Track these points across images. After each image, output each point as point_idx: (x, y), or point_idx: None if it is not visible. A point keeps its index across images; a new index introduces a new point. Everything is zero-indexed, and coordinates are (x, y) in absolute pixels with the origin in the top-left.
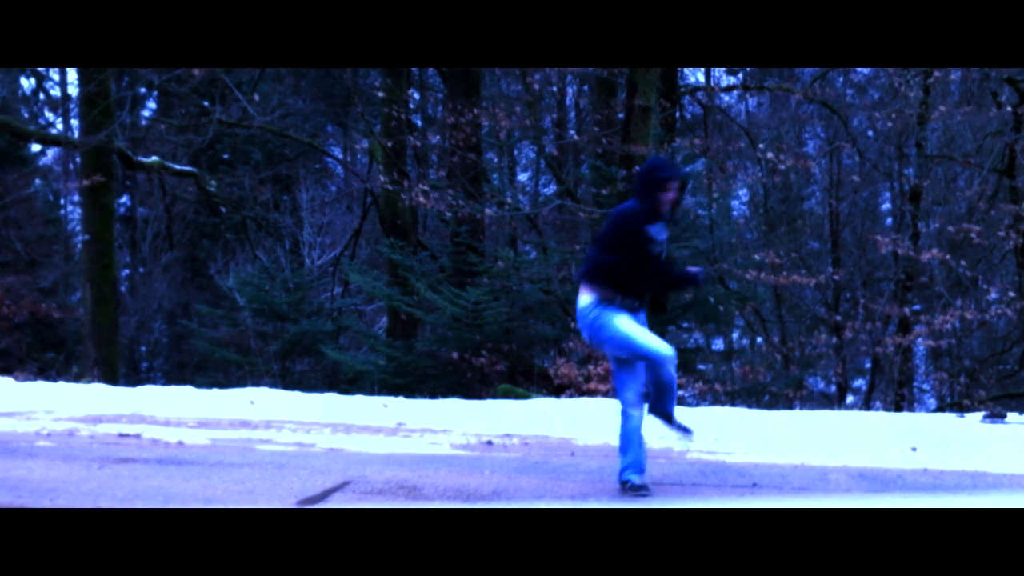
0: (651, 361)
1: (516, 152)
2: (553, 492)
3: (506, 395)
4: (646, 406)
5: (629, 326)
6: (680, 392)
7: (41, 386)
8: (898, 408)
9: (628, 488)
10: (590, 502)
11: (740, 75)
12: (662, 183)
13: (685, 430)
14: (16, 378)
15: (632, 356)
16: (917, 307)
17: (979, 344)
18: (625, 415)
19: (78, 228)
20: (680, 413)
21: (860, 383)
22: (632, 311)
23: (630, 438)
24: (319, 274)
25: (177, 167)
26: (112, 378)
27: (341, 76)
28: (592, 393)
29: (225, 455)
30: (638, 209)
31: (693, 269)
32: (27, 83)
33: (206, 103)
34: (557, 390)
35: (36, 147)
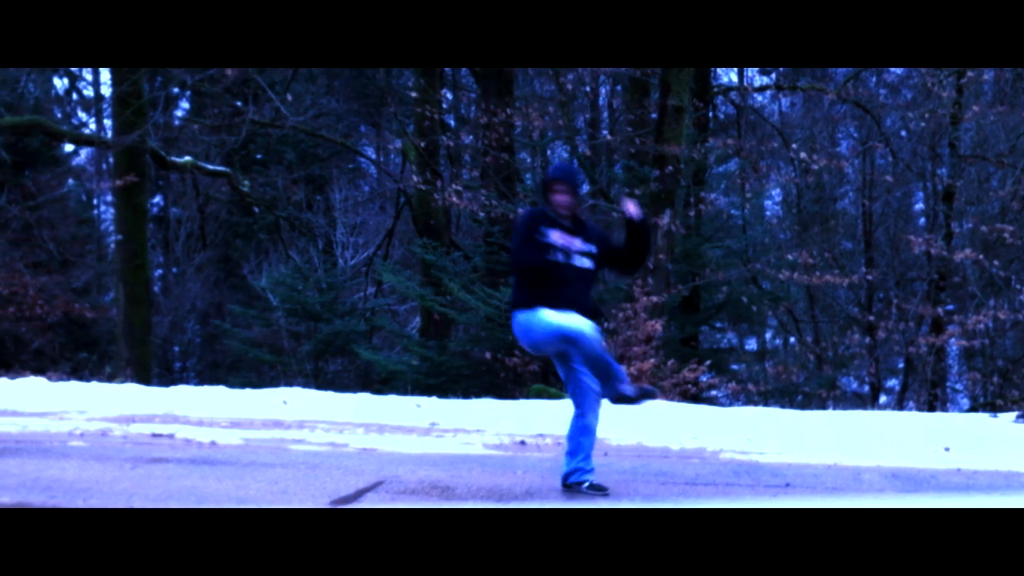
0: (573, 340)
1: (549, 152)
2: (586, 493)
3: (539, 395)
4: (600, 407)
5: (550, 315)
6: (713, 392)
7: (74, 386)
8: (931, 408)
9: (587, 488)
10: (623, 502)
11: (773, 75)
12: (549, 185)
13: (647, 392)
14: (49, 378)
15: (561, 343)
16: (950, 307)
17: (1012, 344)
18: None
19: (111, 228)
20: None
21: (893, 383)
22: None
23: (580, 439)
24: (352, 274)
25: (210, 167)
26: (145, 378)
27: (374, 76)
28: None
29: (258, 455)
30: (534, 209)
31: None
32: (60, 83)
33: (239, 103)
34: None
35: (69, 147)
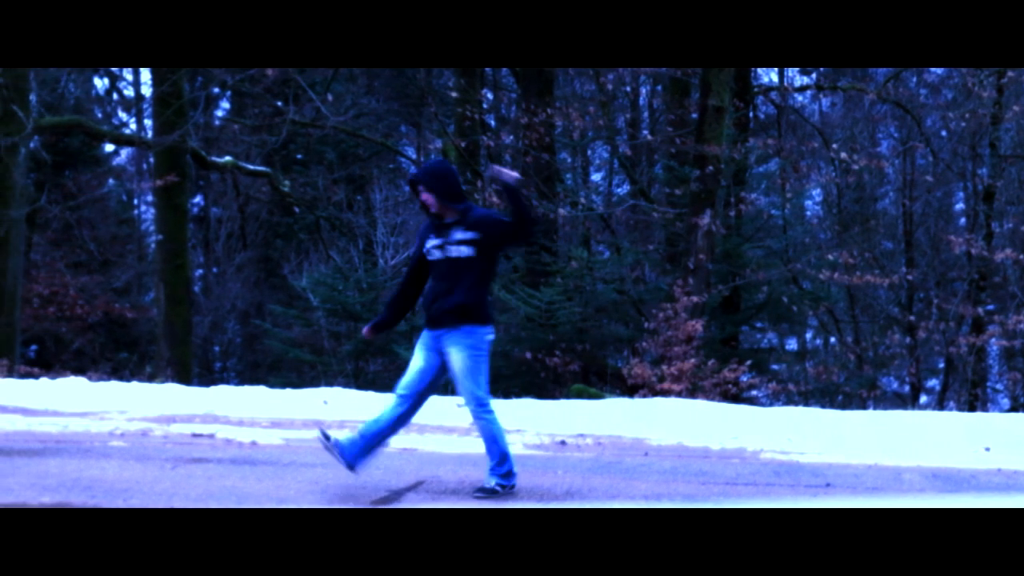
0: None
1: (590, 152)
2: (626, 492)
3: (579, 395)
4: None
5: (415, 358)
6: (754, 392)
7: (115, 386)
8: (971, 408)
9: (508, 490)
10: (664, 502)
11: (813, 75)
12: (413, 188)
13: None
14: (90, 378)
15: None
16: (991, 307)
17: None
18: (483, 416)
19: (151, 228)
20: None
21: (933, 383)
22: (429, 328)
23: (497, 437)
24: (393, 274)
25: (251, 167)
26: (185, 378)
27: (415, 76)
28: (666, 393)
29: (299, 455)
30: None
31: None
32: (101, 83)
33: (280, 103)
34: (631, 390)
35: (110, 147)
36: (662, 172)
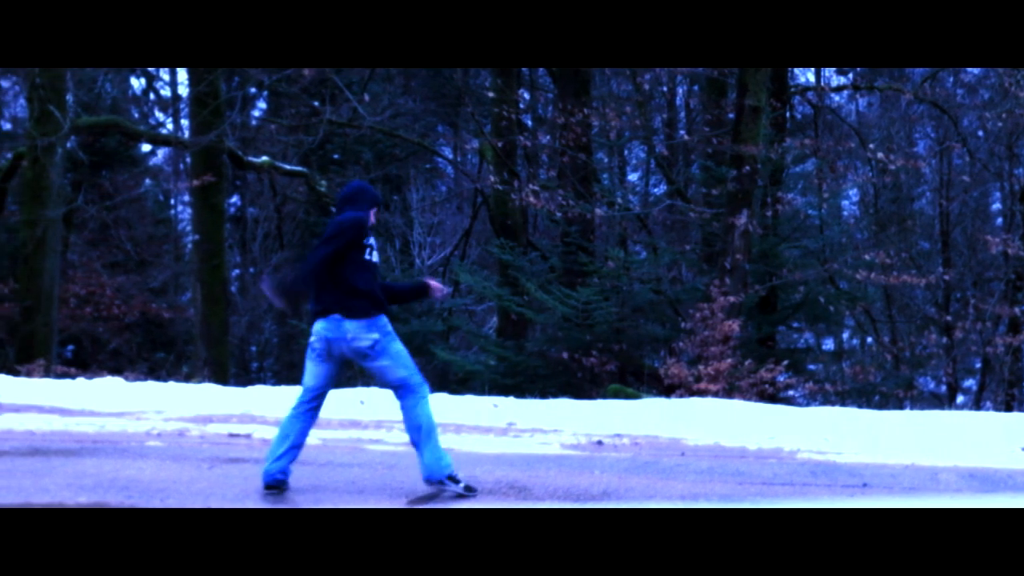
0: None
1: (626, 152)
2: (663, 492)
3: (616, 395)
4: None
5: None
6: (790, 392)
7: (151, 386)
8: (1008, 408)
9: (465, 489)
10: (700, 502)
11: (850, 75)
12: (376, 203)
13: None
14: (126, 378)
15: None
16: None
17: None
18: (421, 400)
19: (188, 228)
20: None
21: (970, 383)
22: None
23: (433, 426)
24: (429, 274)
25: (287, 167)
26: (222, 378)
27: (451, 76)
28: (702, 393)
29: (335, 455)
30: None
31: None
32: (137, 83)
33: (316, 103)
34: (667, 390)
35: (146, 147)
36: (699, 172)
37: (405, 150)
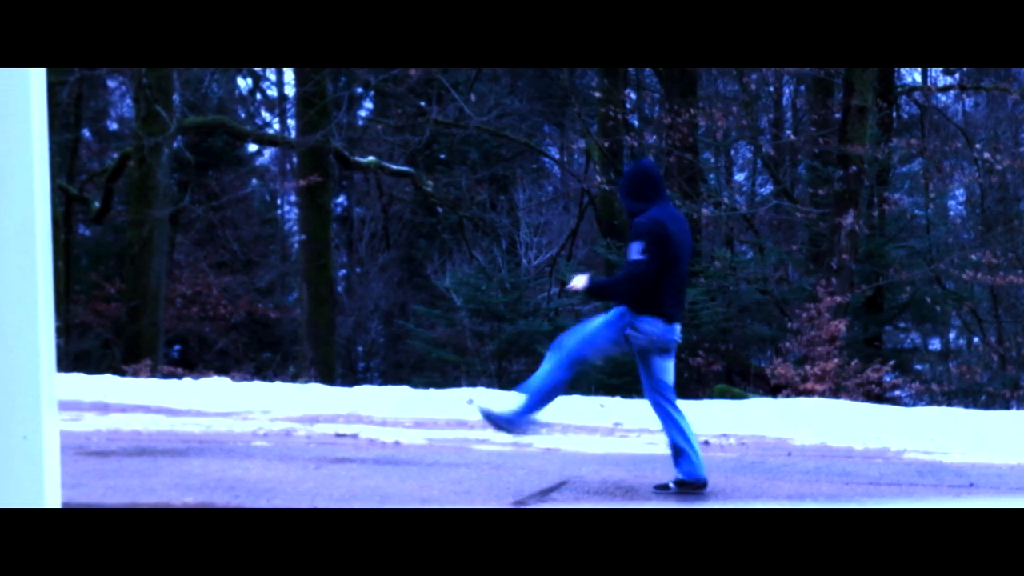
0: None
1: (733, 152)
2: (770, 492)
3: (723, 395)
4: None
5: None
6: (897, 392)
7: (258, 386)
8: None
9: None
10: (807, 502)
11: (957, 75)
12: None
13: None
14: (233, 378)
15: None
16: None
17: None
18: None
19: (295, 228)
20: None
21: None
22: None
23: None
24: (536, 274)
25: (394, 167)
26: (329, 378)
27: (558, 76)
28: (809, 393)
29: (442, 455)
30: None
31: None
32: (244, 83)
33: (423, 103)
34: (774, 390)
35: (253, 147)
36: (805, 172)
37: (511, 150)
